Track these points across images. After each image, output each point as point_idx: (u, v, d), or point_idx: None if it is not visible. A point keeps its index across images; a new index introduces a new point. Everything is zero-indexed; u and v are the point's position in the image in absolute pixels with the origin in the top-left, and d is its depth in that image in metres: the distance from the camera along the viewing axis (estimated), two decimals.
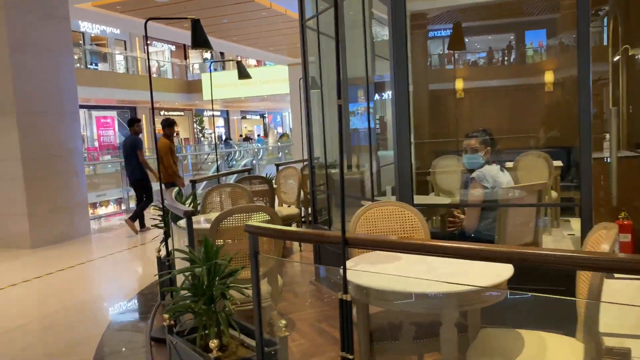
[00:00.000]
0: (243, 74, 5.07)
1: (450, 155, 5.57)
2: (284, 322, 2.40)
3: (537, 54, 9.44)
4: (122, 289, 4.99)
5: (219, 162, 21.62)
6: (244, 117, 34.23)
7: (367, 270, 1.98)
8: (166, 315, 2.63)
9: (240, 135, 31.38)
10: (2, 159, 6.75)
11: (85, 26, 23.50)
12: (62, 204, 7.17)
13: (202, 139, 29.54)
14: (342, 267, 1.82)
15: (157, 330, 3.57)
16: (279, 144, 24.92)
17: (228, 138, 27.67)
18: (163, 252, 4.15)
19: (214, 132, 26.85)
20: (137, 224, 7.51)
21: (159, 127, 7.93)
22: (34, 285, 5.11)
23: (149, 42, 27.03)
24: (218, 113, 32.02)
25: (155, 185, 7.54)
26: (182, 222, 3.50)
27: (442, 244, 1.54)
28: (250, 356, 2.41)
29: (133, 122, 7.71)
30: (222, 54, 30.48)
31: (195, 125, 30.21)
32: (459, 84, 7.46)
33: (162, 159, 6.94)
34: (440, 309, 1.89)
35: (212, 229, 2.89)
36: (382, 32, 4.98)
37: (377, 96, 6.26)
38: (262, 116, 36.14)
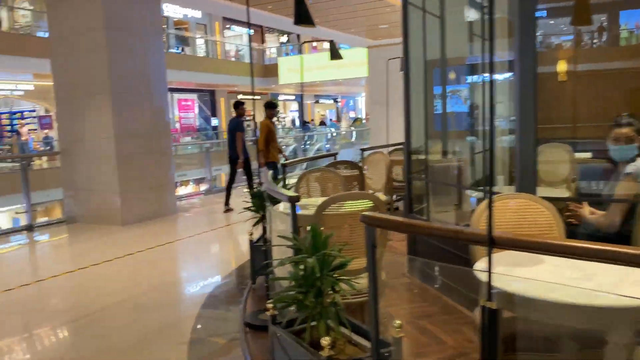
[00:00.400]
0: (335, 55, 4.87)
1: (556, 143, 5.08)
2: (398, 322, 2.18)
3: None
4: (211, 269, 4.98)
5: (294, 146, 21.68)
6: (317, 102, 34.18)
7: (516, 276, 1.70)
8: (270, 305, 2.48)
9: (313, 120, 31.37)
10: (97, 137, 6.96)
11: (168, 11, 24.17)
12: (151, 183, 7.32)
13: (277, 122, 29.78)
14: (487, 270, 1.56)
15: (250, 316, 3.46)
16: (352, 128, 24.64)
17: (306, 122, 27.70)
18: (255, 235, 4.05)
19: (286, 117, 27.00)
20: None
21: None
22: (126, 263, 5.20)
23: (227, 25, 27.47)
24: (292, 97, 32.16)
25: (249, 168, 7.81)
26: (281, 207, 3.36)
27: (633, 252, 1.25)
28: (363, 357, 2.21)
29: (238, 105, 8.03)
30: (298, 36, 30.47)
31: None
32: (562, 66, 6.85)
33: (261, 139, 7.10)
34: (607, 326, 1.58)
35: (317, 216, 2.71)
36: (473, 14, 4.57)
37: (471, 78, 5.84)
38: (335, 100, 35.93)
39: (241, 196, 5.52)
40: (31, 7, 19.85)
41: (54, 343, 3.34)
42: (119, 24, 6.87)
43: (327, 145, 18.77)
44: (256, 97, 30.32)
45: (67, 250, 6.24)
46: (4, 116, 21.69)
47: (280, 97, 30.46)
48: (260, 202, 3.81)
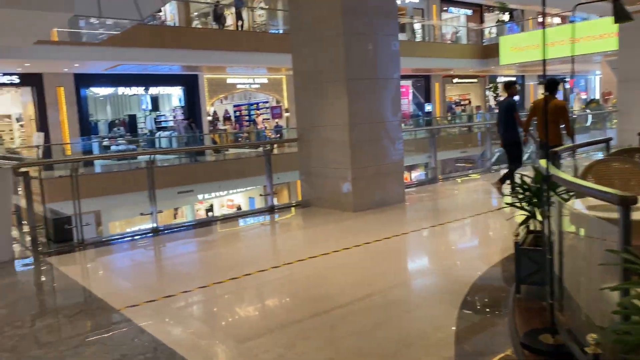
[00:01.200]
0: (621, 15, 3.88)
1: None
2: None
3: None
4: (458, 267, 4.47)
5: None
6: (541, 83, 31.01)
7: None
8: (592, 339, 1.87)
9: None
10: (332, 124, 6.99)
11: None
12: (381, 170, 7.13)
13: (495, 106, 27.83)
14: None
15: (527, 336, 2.86)
16: (587, 111, 21.58)
17: None
18: (522, 236, 3.42)
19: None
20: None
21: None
22: (365, 252, 5.02)
23: (444, 7, 26.46)
24: (513, 79, 29.71)
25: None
26: (578, 204, 2.68)
27: None
28: None
29: (510, 85, 7.78)
30: (522, 12, 27.94)
31: (487, 92, 28.66)
32: None
33: (556, 120, 6.54)
34: None
35: None
36: None
37: None
38: (563, 80, 32.14)
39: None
40: (266, 7, 21.75)
41: (310, 336, 3.21)
42: (356, 9, 6.75)
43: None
44: (472, 80, 28.78)
45: (305, 234, 6.39)
46: (243, 107, 24.33)
47: (499, 80, 28.36)
48: (536, 195, 3.16)
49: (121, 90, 19.55)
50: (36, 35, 11.42)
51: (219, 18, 18.95)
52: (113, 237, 6.47)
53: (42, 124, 17.07)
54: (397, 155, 7.33)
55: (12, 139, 19.97)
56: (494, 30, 26.63)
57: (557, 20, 30.46)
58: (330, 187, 7.16)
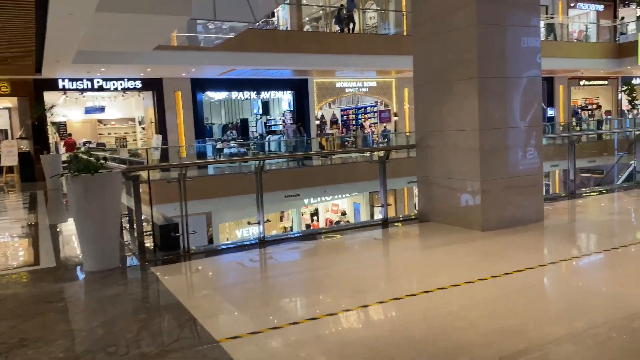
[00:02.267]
0: None
1: None
2: None
3: None
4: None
5: None
6: None
7: None
8: None
9: None
10: (460, 128, 6.09)
11: None
12: (516, 182, 6.09)
13: (630, 112, 24.73)
14: None
15: None
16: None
17: None
18: None
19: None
20: None
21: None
22: (508, 285, 4.09)
23: (572, 3, 24.02)
24: None
25: None
26: None
27: None
28: None
29: None
30: None
31: (621, 95, 25.59)
32: None
33: None
34: None
35: None
36: None
37: None
38: None
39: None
40: (378, 8, 21.05)
41: None
42: None
43: None
44: (602, 82, 25.87)
45: (428, 256, 5.51)
46: (350, 111, 23.85)
47: (636, 81, 25.21)
48: None
49: (234, 94, 19.88)
50: (156, 39, 11.67)
51: (343, 21, 18.53)
52: (219, 248, 6.09)
53: (161, 126, 17.76)
54: (535, 165, 6.24)
55: (134, 140, 21.15)
56: (632, 26, 23.69)
57: None
58: (454, 200, 6.24)
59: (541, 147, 6.25)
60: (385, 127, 21.47)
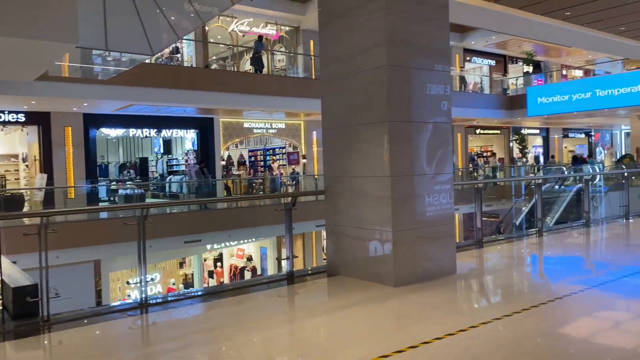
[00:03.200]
0: None
1: None
2: None
3: None
4: None
5: (545, 186, 18.41)
6: (565, 136, 29.71)
7: None
8: None
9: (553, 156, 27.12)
10: (371, 175, 5.62)
11: None
12: (427, 232, 5.68)
13: (520, 159, 26.39)
14: None
15: None
16: (623, 167, 20.08)
17: (578, 156, 23.92)
18: None
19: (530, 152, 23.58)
20: None
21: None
22: (438, 356, 3.52)
23: (468, 57, 25.53)
24: (537, 131, 28.46)
25: None
26: None
27: None
28: None
29: None
30: (548, 64, 27.04)
31: (512, 144, 27.30)
32: None
33: None
34: None
35: None
36: None
37: None
38: (588, 134, 30.85)
39: None
40: (287, 52, 20.92)
41: None
42: (403, 37, 5.50)
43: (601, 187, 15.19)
44: (496, 131, 27.52)
45: (339, 320, 4.83)
46: (259, 152, 23.21)
47: (525, 131, 27.11)
48: None
49: (132, 132, 18.51)
50: (38, 68, 10.36)
51: (258, 62, 18.08)
52: (90, 313, 4.98)
53: (47, 164, 15.97)
54: (447, 213, 5.89)
55: (17, 179, 18.92)
56: (520, 81, 25.59)
57: (579, 72, 29.46)
58: (364, 252, 5.70)
59: (452, 196, 5.94)
60: (293, 169, 21.04)
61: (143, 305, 4.90)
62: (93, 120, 16.78)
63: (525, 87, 23.34)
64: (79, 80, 13.45)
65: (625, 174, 11.17)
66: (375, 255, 5.57)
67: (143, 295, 4.94)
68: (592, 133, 30.69)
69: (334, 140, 6.17)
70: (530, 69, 26.30)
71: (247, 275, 19.31)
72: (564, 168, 21.14)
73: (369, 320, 4.47)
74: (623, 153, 27.91)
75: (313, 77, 18.61)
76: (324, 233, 20.22)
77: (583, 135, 30.53)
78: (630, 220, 9.97)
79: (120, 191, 17.84)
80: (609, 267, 6.46)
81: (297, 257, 7.14)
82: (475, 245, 7.66)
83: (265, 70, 18.92)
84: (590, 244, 8.49)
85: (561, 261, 6.99)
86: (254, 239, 18.53)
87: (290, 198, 6.11)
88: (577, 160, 23.59)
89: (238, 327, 4.39)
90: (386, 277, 5.44)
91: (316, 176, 20.46)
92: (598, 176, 15.44)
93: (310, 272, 6.48)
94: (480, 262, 6.89)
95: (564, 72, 28.08)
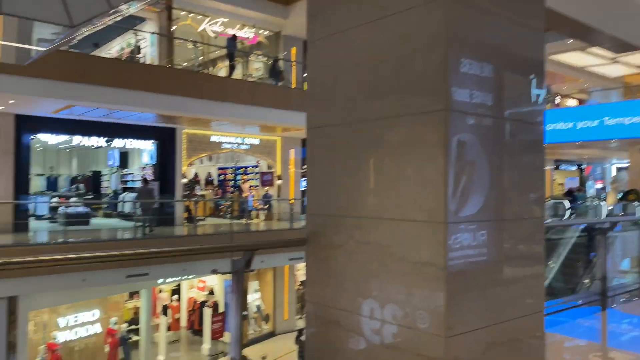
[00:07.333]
0: None
1: None
2: None
3: None
4: None
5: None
6: (557, 168, 27.52)
7: None
8: None
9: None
10: (404, 217, 2.76)
11: None
12: (503, 334, 2.82)
13: None
14: None
15: None
16: (636, 204, 17.67)
17: (577, 189, 21.56)
18: None
19: None
20: None
21: None
22: None
23: None
24: None
25: None
26: None
27: None
28: None
29: None
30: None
31: None
32: None
33: None
34: None
35: None
36: None
37: None
38: (580, 167, 28.76)
39: None
40: (265, 58, 18.16)
41: None
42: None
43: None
44: None
45: None
46: (229, 170, 20.26)
47: None
48: None
49: (79, 139, 15.37)
50: None
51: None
52: None
53: None
54: (535, 292, 3.05)
55: None
56: None
57: (573, 102, 27.59)
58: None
59: (543, 258, 3.10)
60: (267, 191, 18.07)
61: None
62: (28, 123, 13.63)
63: None
64: (1, 69, 10.39)
65: None
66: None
67: None
68: (584, 166, 28.64)
69: (329, 147, 3.29)
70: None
71: (207, 312, 16.12)
72: (566, 202, 18.69)
73: None
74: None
75: (293, 85, 15.87)
76: (301, 268, 16.90)
77: (575, 168, 28.43)
78: None
79: (60, 209, 14.65)
80: None
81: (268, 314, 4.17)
82: None
83: (236, 75, 16.11)
84: None
85: None
86: (215, 273, 15.42)
87: (242, 253, 3.15)
88: (572, 194, 21.22)
89: None
90: None
91: (292, 201, 17.55)
92: None
93: None
94: None
95: (557, 101, 26.08)
